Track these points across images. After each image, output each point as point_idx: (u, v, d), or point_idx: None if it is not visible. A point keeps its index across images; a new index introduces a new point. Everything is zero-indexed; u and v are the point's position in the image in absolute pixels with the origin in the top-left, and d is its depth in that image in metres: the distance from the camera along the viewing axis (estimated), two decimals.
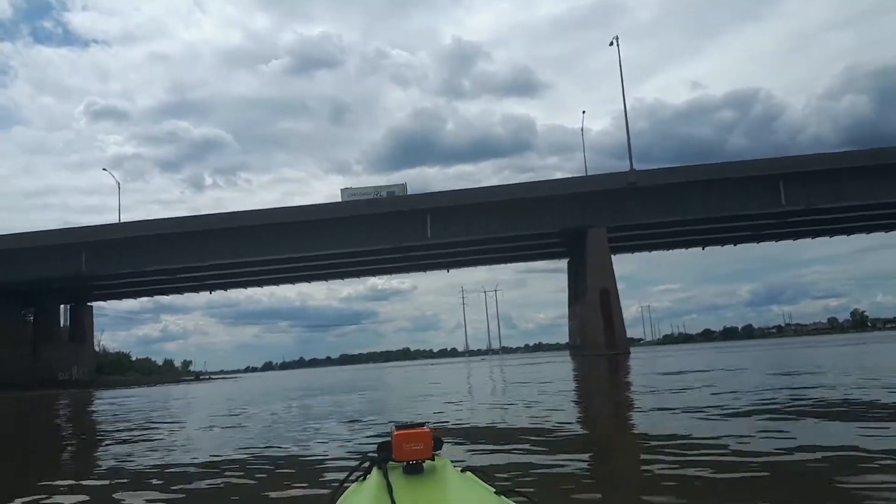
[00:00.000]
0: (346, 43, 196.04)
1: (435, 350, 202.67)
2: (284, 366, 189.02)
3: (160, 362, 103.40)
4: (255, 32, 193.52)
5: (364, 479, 1.30)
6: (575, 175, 45.96)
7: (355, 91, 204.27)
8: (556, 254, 53.14)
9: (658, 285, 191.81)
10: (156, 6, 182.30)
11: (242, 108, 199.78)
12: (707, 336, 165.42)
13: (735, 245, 52.95)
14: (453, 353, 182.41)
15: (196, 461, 5.34)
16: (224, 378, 74.53)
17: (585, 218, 40.52)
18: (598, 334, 39.48)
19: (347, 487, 1.32)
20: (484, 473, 1.32)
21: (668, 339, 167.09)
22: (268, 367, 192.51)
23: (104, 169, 56.76)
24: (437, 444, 1.28)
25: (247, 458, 5.29)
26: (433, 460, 1.27)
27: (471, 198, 41.76)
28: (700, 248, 54.27)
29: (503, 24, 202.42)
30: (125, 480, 4.53)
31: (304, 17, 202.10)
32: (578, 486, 3.51)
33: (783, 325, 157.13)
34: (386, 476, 1.17)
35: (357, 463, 1.34)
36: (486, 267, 64.58)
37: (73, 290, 52.96)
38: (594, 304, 39.94)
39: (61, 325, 57.91)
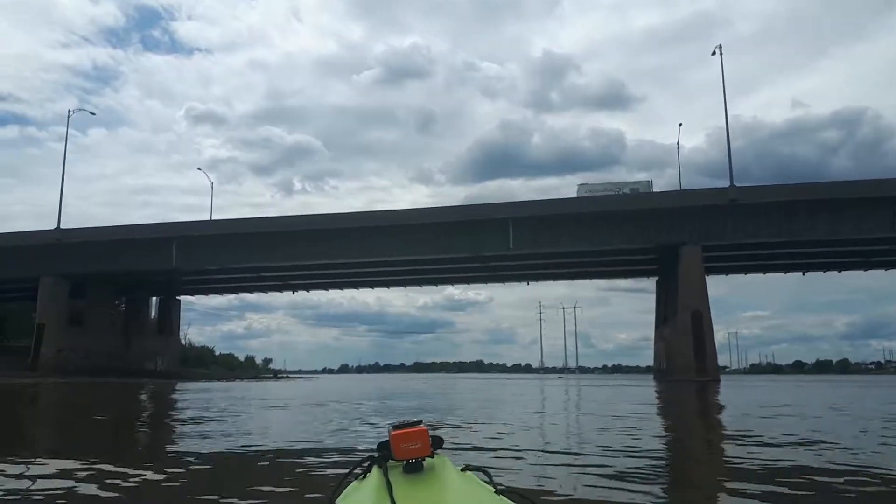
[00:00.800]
0: (436, 54, 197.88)
1: (509, 364, 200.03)
2: (360, 369, 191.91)
3: (242, 358, 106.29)
4: (349, 42, 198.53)
5: (364, 477, 1.31)
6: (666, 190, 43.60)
7: (443, 102, 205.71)
8: (645, 272, 50.77)
9: (747, 311, 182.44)
10: (254, 15, 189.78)
11: (334, 117, 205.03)
12: (798, 368, 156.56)
13: (839, 272, 48.92)
14: (527, 368, 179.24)
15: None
16: (301, 377, 75.67)
17: (680, 235, 38.29)
18: (687, 359, 37.11)
19: (347, 485, 1.32)
20: (484, 472, 1.31)
21: (756, 369, 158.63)
22: (343, 369, 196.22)
23: (199, 168, 59.39)
24: (438, 443, 1.31)
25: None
26: (433, 458, 1.28)
27: (556, 208, 40.34)
28: (800, 274, 50.56)
29: (596, 36, 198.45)
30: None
31: (396, 27, 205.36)
32: None
33: (883, 361, 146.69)
34: (386, 474, 1.18)
35: (357, 462, 1.34)
36: (567, 282, 62.59)
37: (163, 283, 55.01)
38: (685, 326, 37.60)
39: (151, 317, 60.35)
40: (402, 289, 63.09)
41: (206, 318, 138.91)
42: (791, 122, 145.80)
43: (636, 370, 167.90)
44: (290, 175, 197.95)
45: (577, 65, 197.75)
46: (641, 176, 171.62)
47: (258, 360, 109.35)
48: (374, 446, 1.35)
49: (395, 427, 1.27)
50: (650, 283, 48.41)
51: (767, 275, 51.38)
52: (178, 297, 61.86)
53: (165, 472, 4.45)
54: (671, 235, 38.66)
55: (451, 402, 15.19)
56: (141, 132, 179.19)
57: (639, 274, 53.28)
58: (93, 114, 71.32)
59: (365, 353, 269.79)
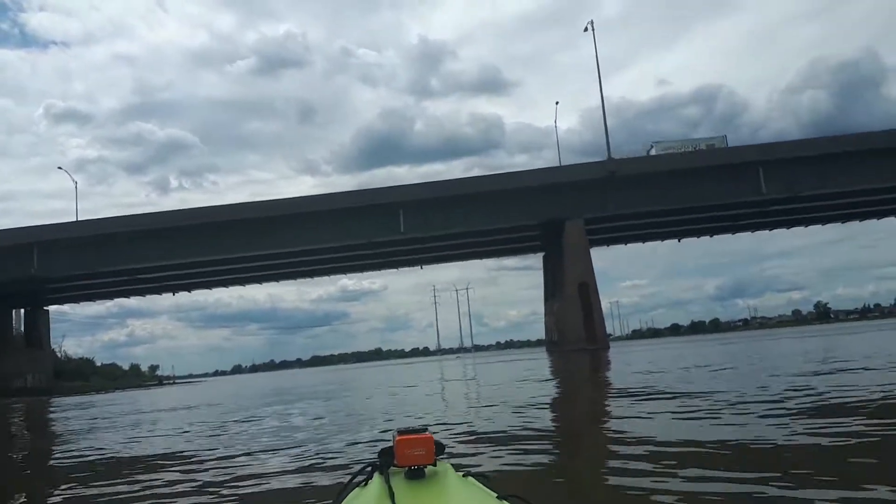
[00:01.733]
0: (312, 42, 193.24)
1: (407, 349, 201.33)
2: (254, 368, 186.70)
3: (126, 367, 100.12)
4: (220, 32, 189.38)
5: (366, 484, 1.30)
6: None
7: (323, 91, 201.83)
8: (532, 248, 52.00)
9: (625, 281, 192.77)
10: (115, 6, 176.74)
11: (209, 109, 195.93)
12: (675, 330, 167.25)
13: (711, 236, 52.37)
14: (425, 352, 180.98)
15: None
16: (189, 382, 71.96)
17: (563, 210, 39.38)
18: (577, 329, 38.38)
19: (349, 492, 1.31)
20: (486, 478, 1.32)
21: (637, 335, 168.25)
22: (237, 370, 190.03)
23: (60, 168, 53.97)
24: (440, 450, 1.29)
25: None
26: (435, 465, 1.27)
27: (445, 190, 40.31)
28: (676, 241, 53.75)
29: (469, 22, 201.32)
30: None
31: (268, 15, 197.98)
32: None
33: (749, 318, 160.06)
34: (388, 481, 1.18)
35: (359, 468, 1.34)
36: (458, 266, 63.44)
37: (27, 293, 50.10)
38: (573, 298, 38.83)
39: (14, 331, 54.99)
40: (293, 284, 61.12)
41: (85, 328, 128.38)
42: (656, 100, 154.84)
43: (527, 344, 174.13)
44: (166, 172, 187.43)
45: (452, 51, 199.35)
46: (522, 158, 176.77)
47: (144, 368, 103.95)
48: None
49: (401, 433, 1.25)
50: (536, 261, 49.72)
51: (640, 246, 54.00)
52: (45, 308, 56.67)
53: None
54: (555, 211, 39.67)
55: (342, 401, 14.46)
56: None
57: (527, 251, 54.52)
58: None
59: (259, 352, 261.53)
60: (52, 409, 22.64)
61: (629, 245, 54.83)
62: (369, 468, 1.34)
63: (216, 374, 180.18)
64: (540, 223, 40.97)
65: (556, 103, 47.72)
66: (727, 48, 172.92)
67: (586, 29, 42.32)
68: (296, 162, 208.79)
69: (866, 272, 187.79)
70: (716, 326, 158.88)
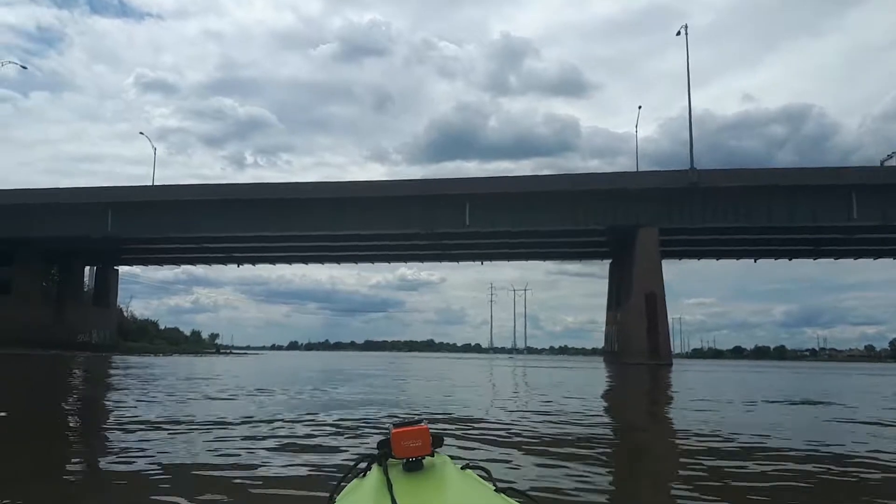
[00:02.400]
0: (395, 32, 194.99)
1: (459, 344, 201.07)
2: (309, 346, 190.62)
3: (188, 333, 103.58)
4: (306, 15, 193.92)
5: (364, 475, 1.31)
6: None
7: (401, 81, 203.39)
8: (599, 254, 50.40)
9: (690, 298, 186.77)
10: None
11: (289, 90, 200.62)
12: (738, 353, 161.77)
13: (790, 259, 49.48)
14: (477, 348, 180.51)
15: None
16: (246, 354, 73.51)
17: (637, 216, 37.71)
18: (640, 341, 36.73)
19: (347, 484, 1.32)
20: (484, 471, 1.31)
21: (698, 353, 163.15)
22: (293, 346, 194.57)
23: (141, 133, 55.71)
24: (438, 442, 1.31)
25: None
26: (433, 457, 1.28)
27: (514, 186, 39.22)
28: (751, 261, 51.06)
29: (554, 22, 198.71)
30: None
31: (355, 2, 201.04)
32: None
33: (817, 348, 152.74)
34: (386, 473, 1.19)
35: (357, 460, 1.34)
36: (517, 265, 62.35)
37: (100, 252, 51.98)
38: (639, 308, 37.17)
39: (86, 287, 57.20)
40: (354, 267, 61.49)
41: (153, 292, 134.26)
42: (741, 116, 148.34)
43: (582, 351, 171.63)
44: (242, 148, 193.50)
45: (535, 49, 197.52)
46: (594, 163, 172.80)
47: (204, 336, 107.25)
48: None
49: (397, 425, 1.25)
50: (598, 268, 48.43)
51: (710, 263, 51.59)
52: (115, 268, 58.77)
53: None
54: (629, 216, 38.05)
55: (398, 393, 13.78)
56: (87, 98, 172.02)
57: (593, 256, 52.89)
58: (24, 67, 66.79)
59: (315, 331, 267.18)
60: (111, 366, 22.98)
61: (701, 261, 52.52)
62: (367, 460, 1.33)
63: (273, 347, 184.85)
64: (611, 228, 39.42)
65: (639, 107, 46.34)
66: (819, 68, 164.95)
67: (679, 33, 40.38)
68: (367, 149, 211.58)
69: None
70: (781, 354, 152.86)
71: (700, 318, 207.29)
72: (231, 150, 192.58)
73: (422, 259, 55.72)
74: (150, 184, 44.88)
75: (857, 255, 47.11)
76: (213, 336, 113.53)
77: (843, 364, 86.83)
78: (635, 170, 42.73)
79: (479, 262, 55.69)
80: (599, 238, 43.41)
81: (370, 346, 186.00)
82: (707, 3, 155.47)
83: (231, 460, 4.29)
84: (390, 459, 1.27)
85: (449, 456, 1.39)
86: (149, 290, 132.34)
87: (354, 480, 1.34)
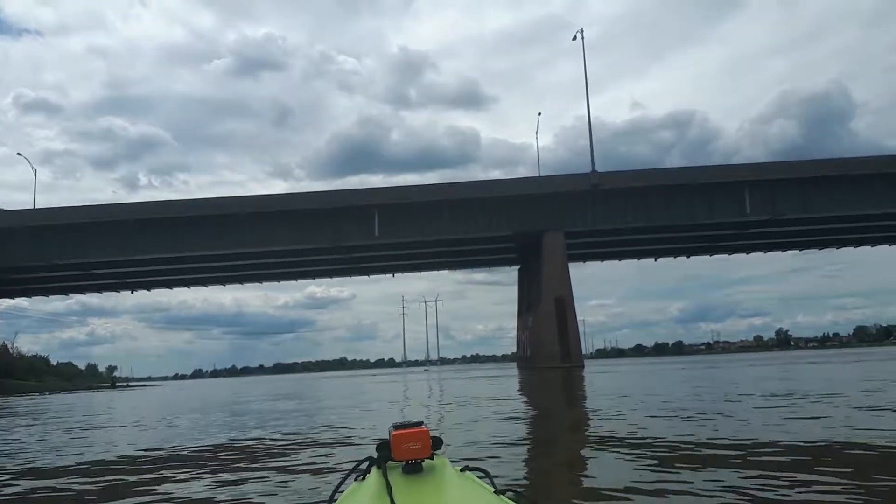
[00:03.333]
0: (291, 45, 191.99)
1: (372, 360, 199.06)
2: (215, 373, 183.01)
3: (83, 367, 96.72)
4: (198, 30, 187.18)
5: (363, 478, 1.31)
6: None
7: (300, 95, 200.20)
8: (507, 260, 50.90)
9: (591, 300, 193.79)
10: None
11: (183, 107, 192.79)
12: (639, 351, 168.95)
13: (688, 257, 51.88)
14: (391, 363, 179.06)
15: None
16: (144, 385, 69.02)
17: (543, 221, 38.29)
18: (552, 345, 37.21)
19: (347, 487, 1.32)
20: (483, 473, 1.31)
21: (602, 354, 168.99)
22: (197, 374, 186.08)
23: (19, 154, 51.17)
24: (437, 444, 1.29)
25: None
26: (432, 459, 1.28)
27: (421, 195, 38.92)
28: (642, 261, 53.28)
29: (451, 35, 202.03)
30: None
31: (249, 16, 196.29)
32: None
33: (712, 342, 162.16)
34: (385, 475, 1.18)
35: (356, 463, 1.33)
36: (427, 277, 62.07)
37: None
38: (549, 313, 37.68)
39: None
40: (259, 288, 59.05)
41: (43, 325, 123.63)
42: (630, 123, 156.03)
43: (493, 359, 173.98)
44: (135, 169, 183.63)
45: (433, 62, 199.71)
46: (496, 173, 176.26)
47: (102, 369, 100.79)
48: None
49: (396, 427, 1.25)
50: (505, 276, 49.25)
51: (607, 266, 53.28)
52: None
53: None
54: (535, 222, 38.59)
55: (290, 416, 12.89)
56: None
57: (501, 263, 53.41)
58: None
59: (221, 357, 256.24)
60: None
61: (596, 265, 54.13)
62: (367, 462, 1.32)
63: (176, 377, 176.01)
64: (518, 233, 39.80)
65: (539, 114, 46.72)
66: (701, 76, 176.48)
67: (574, 38, 41.59)
68: (268, 165, 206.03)
69: (826, 301, 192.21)
70: (679, 349, 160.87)
71: (601, 319, 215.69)
72: (123, 172, 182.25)
73: (331, 274, 54.22)
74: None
75: (750, 249, 50.06)
76: (111, 369, 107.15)
77: (736, 355, 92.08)
78: (539, 171, 43.63)
79: (391, 275, 54.99)
80: (507, 244, 43.78)
81: (280, 368, 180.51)
82: (595, 15, 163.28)
83: None
84: (389, 462, 1.24)
85: (448, 458, 1.36)
86: (38, 324, 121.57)
87: (353, 483, 1.32)
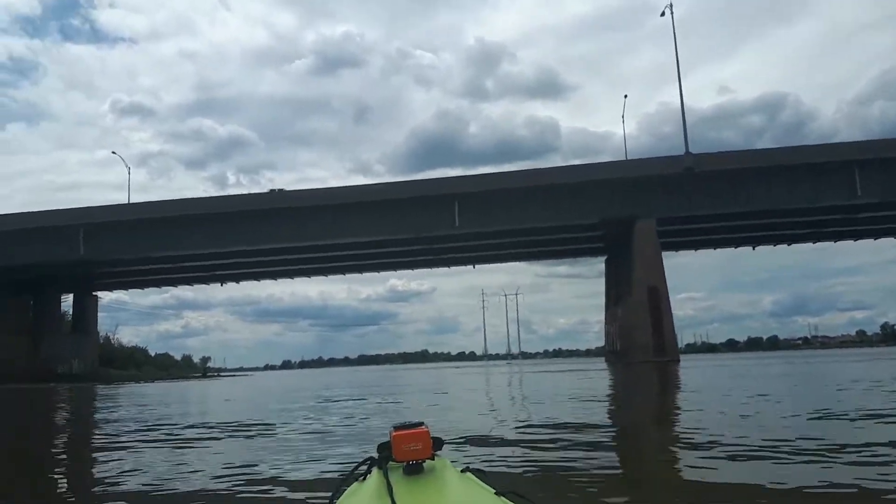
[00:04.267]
0: (369, 42, 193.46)
1: (453, 353, 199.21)
2: (303, 364, 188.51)
3: (179, 357, 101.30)
4: (280, 31, 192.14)
5: (364, 479, 1.31)
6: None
7: (378, 91, 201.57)
8: (593, 250, 48.88)
9: (680, 293, 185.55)
10: (180, 3, 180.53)
11: (268, 107, 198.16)
12: (731, 346, 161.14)
13: (789, 245, 48.22)
14: (471, 356, 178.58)
15: None
16: (234, 375, 71.31)
17: (633, 208, 36.22)
18: (644, 338, 35.13)
19: (347, 488, 1.32)
20: (484, 474, 1.31)
21: (691, 349, 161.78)
22: (286, 365, 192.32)
23: (114, 153, 53.29)
24: (438, 445, 1.30)
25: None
26: (433, 460, 1.28)
27: (503, 182, 37.67)
28: (735, 249, 49.78)
29: (528, 24, 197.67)
30: None
31: (328, 15, 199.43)
32: None
33: (809, 336, 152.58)
34: (386, 476, 1.18)
35: (357, 463, 1.34)
36: (506, 270, 60.86)
37: (76, 278, 49.73)
38: (641, 304, 35.62)
39: (63, 315, 54.95)
40: (344, 282, 59.80)
41: (142, 318, 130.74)
42: (718, 108, 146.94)
43: (576, 353, 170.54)
44: (224, 168, 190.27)
45: (510, 53, 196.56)
46: (577, 163, 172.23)
47: (196, 359, 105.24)
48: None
49: (397, 428, 1.25)
50: (587, 269, 47.70)
51: (695, 257, 50.17)
52: (95, 294, 56.45)
53: None
54: (624, 208, 36.57)
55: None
56: (64, 126, 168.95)
57: (587, 253, 51.42)
58: None
59: (308, 348, 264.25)
60: (92, 397, 21.15)
61: (683, 256, 50.97)
62: (367, 463, 1.32)
63: (266, 368, 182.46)
64: (605, 221, 37.86)
65: (625, 96, 44.93)
66: (793, 56, 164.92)
67: (663, 14, 39.15)
68: (349, 161, 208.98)
69: None
70: (774, 344, 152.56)
71: (690, 313, 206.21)
72: (213, 171, 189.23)
73: (412, 266, 53.89)
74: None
75: (858, 236, 45.85)
76: (205, 359, 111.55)
77: (839, 351, 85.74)
78: (626, 154, 41.48)
79: (471, 266, 54.09)
80: (593, 233, 41.87)
81: (364, 360, 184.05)
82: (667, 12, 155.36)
83: None
84: (390, 463, 1.24)
85: (449, 459, 1.35)
86: (138, 317, 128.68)
87: (354, 484, 1.31)
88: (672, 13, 38.25)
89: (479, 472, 1.31)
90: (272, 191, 41.92)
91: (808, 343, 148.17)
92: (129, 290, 63.93)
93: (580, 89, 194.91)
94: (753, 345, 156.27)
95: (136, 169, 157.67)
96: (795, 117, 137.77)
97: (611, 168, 37.27)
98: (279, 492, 3.57)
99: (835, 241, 47.87)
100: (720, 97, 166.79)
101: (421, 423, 1.26)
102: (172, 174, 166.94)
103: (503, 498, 1.16)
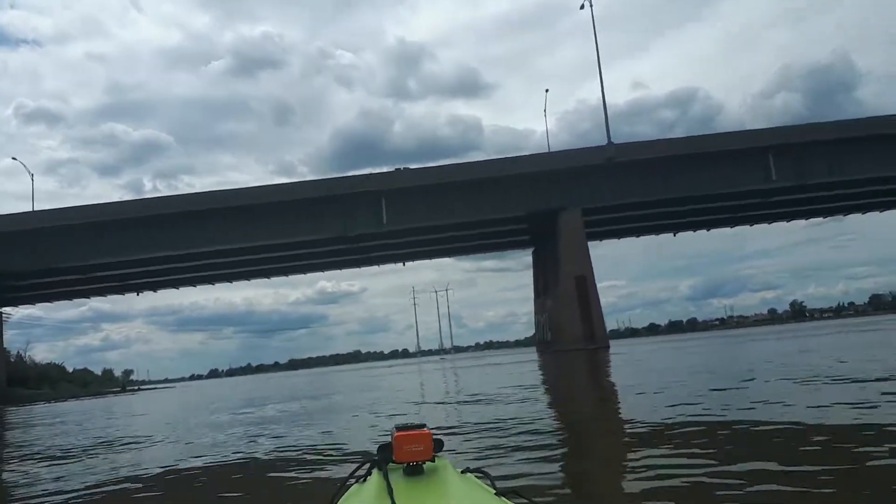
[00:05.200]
0: (289, 43, 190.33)
1: (386, 352, 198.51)
2: (231, 372, 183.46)
3: (100, 372, 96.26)
4: (195, 32, 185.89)
5: (364, 480, 1.30)
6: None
7: (299, 92, 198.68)
8: (520, 243, 49.23)
9: (602, 282, 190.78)
10: (87, 4, 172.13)
11: (184, 110, 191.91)
12: (653, 330, 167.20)
13: (708, 230, 50.02)
14: (405, 354, 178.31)
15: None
16: (155, 388, 68.18)
17: (558, 199, 36.58)
18: (574, 327, 35.57)
19: (348, 489, 1.31)
20: (485, 475, 1.31)
21: (615, 334, 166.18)
22: (213, 374, 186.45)
23: (14, 158, 49.56)
24: (438, 446, 1.29)
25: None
26: (434, 462, 1.27)
27: (431, 178, 37.27)
28: (656, 237, 51.38)
29: (448, 24, 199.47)
30: None
31: (245, 16, 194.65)
32: None
33: (725, 317, 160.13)
34: (386, 477, 1.17)
35: (357, 464, 1.33)
36: (434, 266, 60.50)
37: None
38: (569, 293, 36.03)
39: None
40: (270, 286, 57.84)
41: (58, 333, 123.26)
42: (632, 103, 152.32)
43: (506, 345, 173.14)
44: (140, 174, 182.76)
45: (430, 52, 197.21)
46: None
47: (118, 373, 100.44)
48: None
49: (399, 428, 1.25)
50: (514, 263, 47.52)
51: (613, 246, 51.53)
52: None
53: None
54: (549, 200, 36.89)
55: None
56: None
57: (514, 246, 51.77)
58: None
59: (236, 356, 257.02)
60: None
61: (603, 247, 52.31)
62: (367, 464, 1.32)
63: (192, 378, 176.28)
64: (532, 213, 38.07)
65: (546, 90, 45.61)
66: (702, 53, 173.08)
67: (582, 6, 39.61)
68: (272, 164, 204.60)
69: (837, 272, 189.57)
70: (693, 326, 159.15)
71: (612, 300, 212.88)
72: (128, 178, 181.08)
73: (340, 266, 52.66)
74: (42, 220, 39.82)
75: (772, 219, 48.03)
76: (127, 373, 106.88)
77: (751, 329, 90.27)
78: (549, 147, 41.85)
79: (401, 264, 53.47)
80: (520, 226, 42.09)
81: (294, 364, 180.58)
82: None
83: None
84: (390, 464, 1.23)
85: (450, 460, 1.35)
86: (53, 332, 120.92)
87: (355, 485, 1.30)
88: (591, 5, 38.71)
89: (479, 474, 1.30)
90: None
91: (724, 323, 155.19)
92: (38, 305, 59.85)
93: (500, 88, 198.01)
94: (674, 328, 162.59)
95: (44, 177, 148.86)
96: (705, 111, 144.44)
97: (535, 161, 37.46)
98: (278, 492, 3.56)
99: (751, 225, 50.01)
100: (634, 92, 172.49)
101: (423, 425, 1.24)
102: (85, 182, 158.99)
103: (503, 499, 1.14)
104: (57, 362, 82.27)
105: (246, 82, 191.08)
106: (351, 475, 1.32)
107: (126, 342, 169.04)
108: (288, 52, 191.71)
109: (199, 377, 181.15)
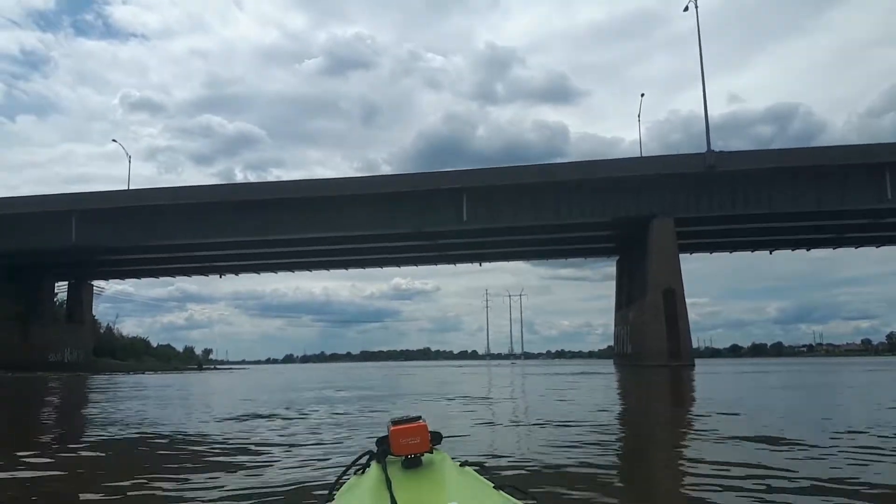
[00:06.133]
0: (380, 44, 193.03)
1: (455, 352, 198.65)
2: (305, 359, 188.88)
3: (181, 349, 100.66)
4: (291, 31, 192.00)
5: (363, 472, 1.30)
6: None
7: (388, 93, 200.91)
8: (604, 250, 47.28)
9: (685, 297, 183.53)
10: (192, 2, 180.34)
11: (277, 106, 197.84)
12: (735, 351, 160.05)
13: (808, 250, 46.53)
14: (473, 355, 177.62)
15: None
16: (231, 369, 69.93)
17: (649, 206, 34.64)
18: (658, 341, 33.59)
19: (346, 480, 1.31)
20: (482, 467, 1.32)
21: (695, 354, 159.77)
22: (288, 359, 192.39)
23: (114, 140, 52.13)
24: (437, 439, 1.30)
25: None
26: (432, 454, 1.28)
27: (514, 177, 36.07)
28: (766, 252, 47.94)
29: (540, 30, 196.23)
30: None
31: (339, 17, 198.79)
32: None
33: (814, 343, 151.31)
34: (385, 469, 1.18)
35: (356, 457, 1.33)
36: (511, 270, 59.39)
37: (70, 266, 48.35)
38: (655, 306, 34.06)
39: (56, 303, 53.70)
40: (347, 278, 58.48)
41: (147, 309, 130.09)
42: (727, 117, 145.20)
43: (579, 355, 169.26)
44: (232, 165, 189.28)
45: (521, 58, 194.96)
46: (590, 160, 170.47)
47: (198, 351, 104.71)
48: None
49: (395, 422, 1.24)
50: (592, 272, 45.31)
51: (699, 262, 48.49)
52: (90, 282, 55.11)
53: None
54: (640, 206, 35.00)
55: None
56: (73, 119, 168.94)
57: (598, 253, 49.82)
58: None
59: (311, 343, 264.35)
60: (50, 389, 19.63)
61: (688, 262, 49.03)
62: (366, 457, 1.33)
63: (268, 361, 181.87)
64: (618, 220, 36.25)
65: (642, 95, 43.04)
66: (805, 68, 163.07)
67: (686, 9, 37.35)
68: (357, 161, 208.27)
69: None
70: (778, 351, 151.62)
71: (695, 318, 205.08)
72: (220, 168, 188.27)
73: (416, 262, 52.34)
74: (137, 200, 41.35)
75: (881, 242, 44.01)
76: (207, 351, 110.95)
77: (841, 359, 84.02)
78: (641, 151, 39.71)
79: (478, 264, 52.53)
80: (604, 232, 40.27)
81: (366, 356, 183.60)
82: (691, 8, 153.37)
83: None
84: (389, 456, 1.24)
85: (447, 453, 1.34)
86: (142, 308, 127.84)
87: (353, 477, 1.30)
88: (696, 8, 36.44)
89: (477, 466, 1.29)
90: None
91: (812, 350, 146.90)
92: (129, 281, 62.69)
93: (590, 95, 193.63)
94: (758, 351, 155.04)
95: (144, 163, 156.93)
96: (805, 128, 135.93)
97: (625, 165, 35.64)
98: (277, 485, 3.51)
99: (856, 247, 46.17)
100: (730, 106, 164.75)
101: (419, 417, 1.24)
102: (180, 169, 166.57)
103: (501, 492, 1.14)
104: (143, 337, 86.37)
105: (337, 81, 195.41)
106: (349, 467, 1.31)
107: (208, 322, 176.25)
108: (379, 54, 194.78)
109: (275, 361, 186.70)
